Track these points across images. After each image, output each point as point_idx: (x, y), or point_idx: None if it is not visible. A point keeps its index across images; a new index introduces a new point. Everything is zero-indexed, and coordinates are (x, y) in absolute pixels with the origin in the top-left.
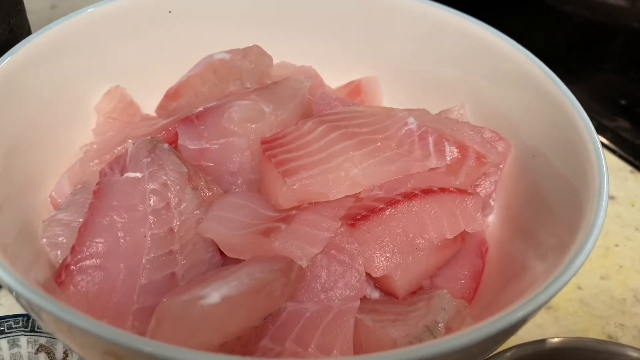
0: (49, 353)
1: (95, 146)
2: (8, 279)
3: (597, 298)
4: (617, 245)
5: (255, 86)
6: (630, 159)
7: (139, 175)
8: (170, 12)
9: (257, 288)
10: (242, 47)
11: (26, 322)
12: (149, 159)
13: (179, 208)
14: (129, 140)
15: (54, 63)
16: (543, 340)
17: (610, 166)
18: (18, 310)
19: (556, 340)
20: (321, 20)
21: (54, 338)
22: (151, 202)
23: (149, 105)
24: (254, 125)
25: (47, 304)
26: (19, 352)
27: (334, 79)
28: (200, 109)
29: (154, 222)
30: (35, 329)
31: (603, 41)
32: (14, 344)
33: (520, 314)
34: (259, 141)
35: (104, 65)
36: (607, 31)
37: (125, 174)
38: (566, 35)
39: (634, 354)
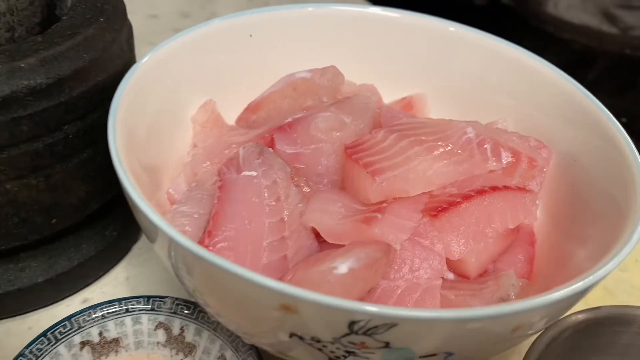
0: (167, 329)
1: (201, 151)
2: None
3: (618, 287)
4: None
5: (330, 101)
6: None
7: (254, 173)
8: (250, 35)
9: (370, 264)
10: (307, 67)
11: (147, 302)
12: (260, 160)
13: (287, 201)
14: (233, 145)
15: (164, 75)
16: (596, 308)
17: None
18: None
19: (607, 307)
20: (385, 43)
21: (171, 316)
22: (266, 196)
23: (227, 118)
24: (338, 134)
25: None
26: (140, 329)
27: (386, 96)
28: (290, 119)
29: (269, 212)
30: (155, 309)
31: (595, 65)
32: (136, 322)
33: (590, 279)
34: (341, 147)
35: (196, 80)
36: (598, 55)
37: (243, 173)
38: (560, 59)
39: None
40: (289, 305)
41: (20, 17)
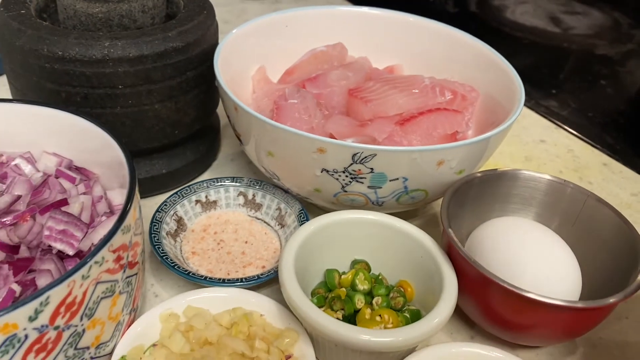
0: (244, 195)
1: (260, 93)
2: (270, 121)
3: (504, 158)
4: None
5: (339, 65)
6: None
7: (295, 101)
8: (286, 26)
9: (365, 141)
10: (324, 44)
11: (232, 180)
12: (298, 94)
13: (315, 117)
14: (280, 90)
15: (238, 47)
16: (494, 169)
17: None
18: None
19: (500, 169)
20: (375, 30)
21: (246, 187)
22: (303, 113)
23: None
24: (344, 82)
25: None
26: (228, 195)
27: (375, 64)
28: (314, 75)
29: (304, 122)
30: (237, 183)
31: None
32: (226, 190)
33: (485, 135)
34: (346, 90)
35: (254, 52)
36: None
37: (289, 101)
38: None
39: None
40: (322, 148)
41: (157, 11)
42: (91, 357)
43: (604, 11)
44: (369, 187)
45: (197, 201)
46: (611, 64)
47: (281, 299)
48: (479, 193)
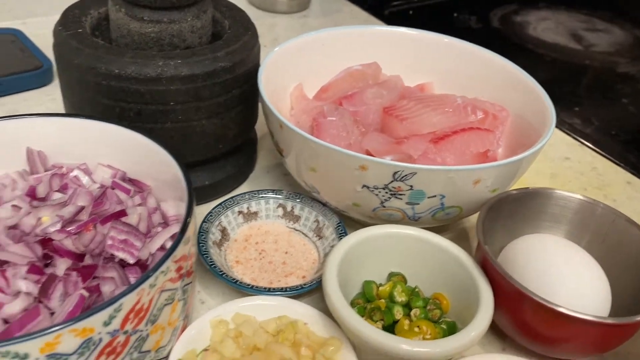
0: (283, 207)
1: (298, 109)
2: (312, 138)
3: (539, 175)
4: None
5: (374, 83)
6: None
7: (334, 119)
8: (323, 44)
9: (402, 159)
10: (359, 63)
11: (272, 192)
12: (336, 112)
13: (352, 134)
14: (317, 107)
15: (279, 65)
16: (526, 188)
17: None
18: None
19: (533, 188)
20: (407, 50)
21: (286, 200)
22: (342, 129)
23: (308, 94)
24: (379, 100)
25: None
26: (268, 207)
27: (407, 83)
28: (350, 92)
29: (345, 137)
30: (277, 195)
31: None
32: (267, 202)
33: (518, 157)
34: (381, 108)
35: (292, 70)
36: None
37: (328, 118)
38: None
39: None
40: (364, 166)
41: (204, 31)
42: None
43: (625, 29)
44: (407, 203)
45: (239, 212)
46: (633, 82)
47: (323, 308)
48: (512, 210)
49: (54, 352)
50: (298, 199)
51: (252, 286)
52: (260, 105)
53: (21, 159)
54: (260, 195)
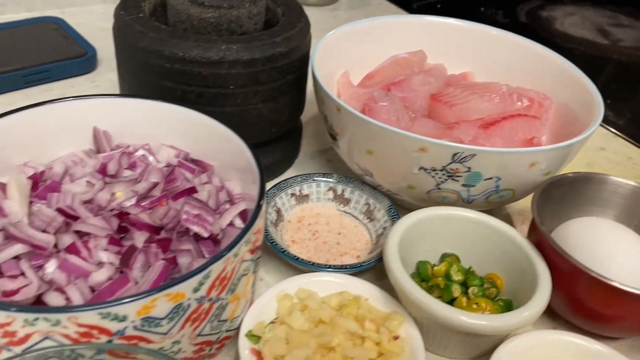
0: (334, 190)
1: (347, 96)
2: (371, 120)
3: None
4: None
5: (419, 71)
6: None
7: (385, 104)
8: (368, 33)
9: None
10: (405, 51)
11: (323, 175)
12: (387, 98)
13: (402, 119)
14: (366, 92)
15: (329, 52)
16: (578, 172)
17: None
18: None
19: (585, 172)
20: (450, 38)
21: (336, 183)
22: (392, 114)
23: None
24: (426, 87)
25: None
26: (319, 190)
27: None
28: (397, 79)
29: (395, 122)
30: (327, 178)
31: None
32: (317, 185)
33: (568, 142)
34: (428, 95)
35: (340, 57)
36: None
37: (379, 104)
38: None
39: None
40: (424, 148)
41: (259, 17)
42: (226, 330)
43: None
44: (463, 185)
45: (292, 194)
46: None
47: (380, 286)
48: (561, 194)
49: (149, 315)
50: (348, 182)
51: (313, 263)
52: (307, 91)
53: (85, 139)
54: (312, 179)
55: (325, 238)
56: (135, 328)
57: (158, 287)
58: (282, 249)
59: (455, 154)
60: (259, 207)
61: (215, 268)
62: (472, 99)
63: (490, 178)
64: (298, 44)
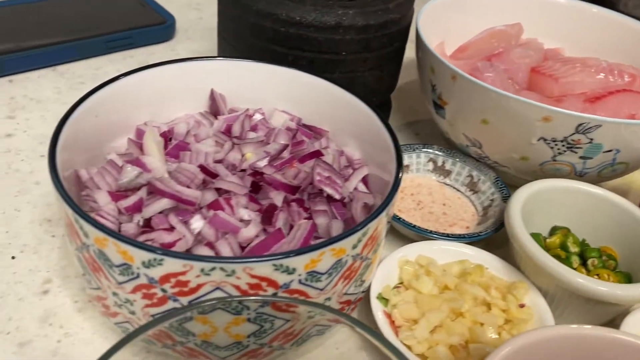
0: (434, 162)
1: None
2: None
3: None
4: None
5: (515, 44)
6: None
7: (490, 74)
8: (465, 5)
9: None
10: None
11: (423, 146)
12: (492, 68)
13: (508, 91)
14: (461, 63)
15: (428, 21)
16: None
17: None
18: None
19: None
20: (544, 15)
21: (435, 154)
22: (498, 86)
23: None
24: (526, 60)
25: None
26: (419, 161)
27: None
28: (496, 52)
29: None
30: (427, 149)
31: None
32: (417, 156)
33: None
34: (528, 68)
35: (437, 28)
36: None
37: (485, 74)
38: None
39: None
40: (548, 117)
41: None
42: (362, 291)
43: None
44: (580, 157)
45: None
46: None
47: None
48: None
49: (314, 269)
50: (449, 154)
51: (431, 231)
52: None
53: (199, 101)
54: (412, 149)
55: (430, 208)
56: (299, 282)
57: (325, 240)
58: (396, 216)
59: (580, 125)
60: (400, 166)
61: (372, 226)
62: (575, 73)
63: (610, 150)
64: (406, 12)
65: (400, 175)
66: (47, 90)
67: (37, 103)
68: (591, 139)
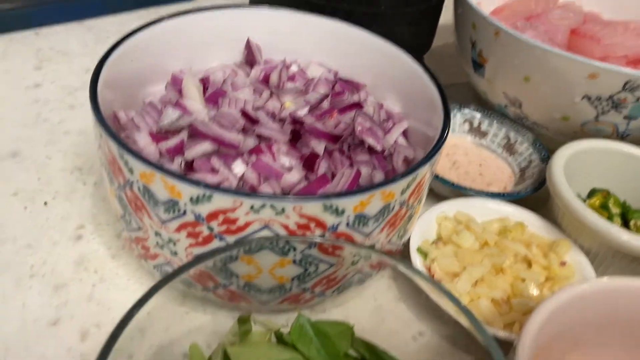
0: (470, 122)
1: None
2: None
3: None
4: None
5: (553, 6)
6: None
7: (534, 32)
8: None
9: None
10: None
11: (460, 108)
12: (532, 28)
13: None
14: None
15: None
16: None
17: None
18: None
19: None
20: None
21: (475, 114)
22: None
23: None
24: (566, 22)
25: None
26: (455, 121)
27: None
28: (534, 13)
29: None
30: (462, 110)
31: None
32: (453, 116)
33: None
34: (568, 29)
35: None
36: None
37: (525, 33)
38: None
39: None
40: (594, 74)
41: None
42: (402, 243)
43: None
44: (625, 117)
45: None
46: None
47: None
48: None
49: (362, 212)
50: (486, 114)
51: (470, 188)
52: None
53: (233, 50)
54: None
55: (466, 168)
56: (347, 225)
57: (376, 183)
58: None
59: (627, 82)
60: (447, 118)
61: (421, 172)
62: (618, 35)
63: None
64: None
65: (447, 127)
66: (74, 43)
67: (63, 55)
68: (638, 98)
